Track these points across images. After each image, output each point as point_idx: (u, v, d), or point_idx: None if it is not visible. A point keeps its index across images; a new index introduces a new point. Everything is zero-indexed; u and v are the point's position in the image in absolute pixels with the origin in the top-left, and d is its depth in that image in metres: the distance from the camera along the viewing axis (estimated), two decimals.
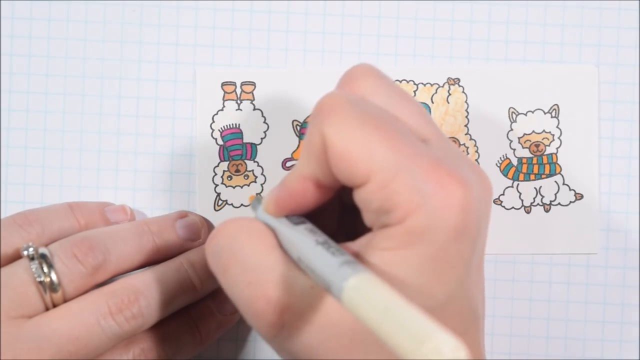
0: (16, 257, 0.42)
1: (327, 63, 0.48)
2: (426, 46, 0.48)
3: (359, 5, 0.48)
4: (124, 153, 0.48)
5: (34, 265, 0.41)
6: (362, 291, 0.30)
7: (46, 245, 0.42)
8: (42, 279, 0.40)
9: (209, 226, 0.47)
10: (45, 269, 0.41)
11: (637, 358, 0.48)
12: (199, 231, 0.46)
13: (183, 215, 0.46)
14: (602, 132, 0.48)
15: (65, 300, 0.41)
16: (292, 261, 0.35)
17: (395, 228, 0.33)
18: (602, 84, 0.48)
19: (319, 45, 0.48)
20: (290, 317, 0.34)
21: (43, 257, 0.41)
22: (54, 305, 0.41)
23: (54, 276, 0.41)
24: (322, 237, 0.34)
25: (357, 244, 0.35)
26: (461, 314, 0.35)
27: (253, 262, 0.35)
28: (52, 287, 0.41)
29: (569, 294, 0.48)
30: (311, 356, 0.34)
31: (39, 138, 0.48)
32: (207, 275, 0.44)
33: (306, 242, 0.34)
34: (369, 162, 0.33)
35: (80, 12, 0.48)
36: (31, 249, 0.41)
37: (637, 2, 0.48)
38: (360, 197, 0.34)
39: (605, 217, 0.48)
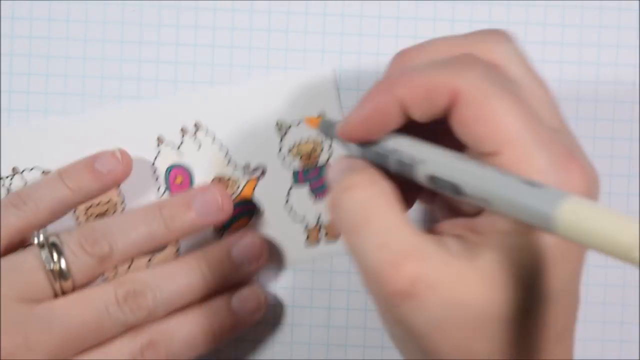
0: (18, 237, 0.43)
1: (327, 63, 0.48)
2: None
3: (359, 5, 0.48)
4: None
5: (44, 252, 0.41)
6: (581, 215, 0.28)
7: (47, 223, 0.43)
8: (52, 266, 0.41)
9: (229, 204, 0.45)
10: (55, 257, 0.41)
11: (637, 358, 0.48)
12: (217, 205, 0.44)
13: (200, 191, 0.45)
14: (602, 132, 0.48)
15: (74, 289, 0.42)
16: (424, 233, 0.33)
17: None
18: (602, 84, 0.48)
19: (319, 45, 0.48)
20: (420, 288, 0.32)
21: (53, 245, 0.42)
22: (63, 293, 0.42)
23: (63, 264, 0.41)
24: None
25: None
26: (569, 308, 0.34)
27: (387, 226, 0.33)
28: (62, 274, 0.41)
29: None
30: (428, 332, 0.32)
31: None
32: (221, 273, 0.44)
33: (470, 166, 0.32)
34: (504, 135, 0.32)
35: (80, 12, 0.48)
36: (41, 237, 0.42)
37: (637, 2, 0.48)
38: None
39: None
